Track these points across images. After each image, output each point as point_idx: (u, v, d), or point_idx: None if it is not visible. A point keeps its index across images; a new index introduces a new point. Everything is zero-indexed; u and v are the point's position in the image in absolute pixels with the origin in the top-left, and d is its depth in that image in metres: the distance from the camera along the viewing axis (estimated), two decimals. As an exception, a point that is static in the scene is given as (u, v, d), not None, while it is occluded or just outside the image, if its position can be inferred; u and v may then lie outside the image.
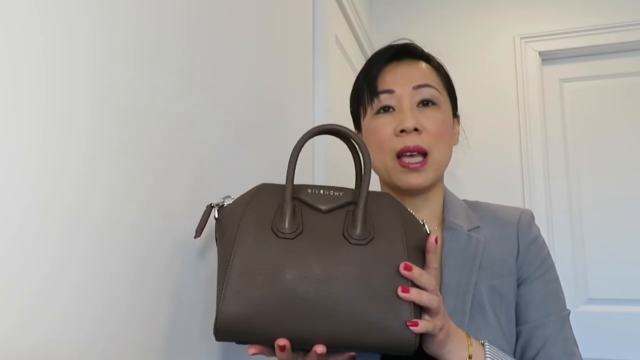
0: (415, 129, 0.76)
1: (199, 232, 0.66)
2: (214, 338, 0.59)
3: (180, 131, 0.72)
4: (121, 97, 0.60)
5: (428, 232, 0.68)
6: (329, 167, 1.36)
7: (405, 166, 0.76)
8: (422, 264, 0.64)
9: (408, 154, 0.76)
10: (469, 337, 0.66)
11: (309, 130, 0.64)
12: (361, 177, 0.65)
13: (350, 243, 0.60)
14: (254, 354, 0.59)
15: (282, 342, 0.56)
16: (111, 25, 0.59)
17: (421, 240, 0.65)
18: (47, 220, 0.48)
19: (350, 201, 0.64)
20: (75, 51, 0.53)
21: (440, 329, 0.61)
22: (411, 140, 0.76)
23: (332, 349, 0.58)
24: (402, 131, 0.76)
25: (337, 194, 0.65)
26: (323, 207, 0.63)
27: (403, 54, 0.82)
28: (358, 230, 0.61)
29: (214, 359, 0.79)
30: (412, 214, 0.68)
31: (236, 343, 0.61)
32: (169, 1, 0.71)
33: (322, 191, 0.65)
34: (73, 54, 0.53)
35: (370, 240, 0.61)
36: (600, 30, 2.06)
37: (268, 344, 0.58)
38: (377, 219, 0.63)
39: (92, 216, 0.54)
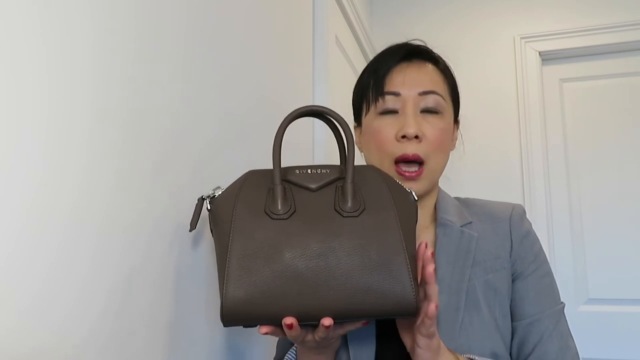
0: (416, 136, 0.76)
1: (193, 225, 0.68)
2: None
3: (180, 131, 0.73)
4: (121, 97, 0.60)
5: (415, 198, 0.69)
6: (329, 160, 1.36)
7: (402, 174, 0.77)
8: (412, 229, 0.65)
9: (405, 162, 0.77)
10: (458, 356, 0.67)
11: (288, 115, 0.65)
12: (345, 153, 0.66)
13: (343, 216, 0.62)
14: (266, 333, 0.60)
15: (289, 320, 0.57)
16: (111, 25, 0.59)
17: (409, 206, 0.67)
18: (48, 220, 0.49)
19: (338, 177, 0.66)
20: (75, 51, 0.53)
21: (434, 335, 0.62)
22: (411, 149, 0.76)
23: (339, 320, 0.59)
24: (403, 137, 0.76)
25: (324, 171, 0.67)
26: (312, 186, 0.65)
27: (414, 55, 0.82)
28: (349, 203, 0.63)
29: (217, 355, 0.79)
30: (397, 182, 0.69)
31: (244, 327, 0.62)
32: (169, 1, 0.71)
33: (309, 170, 0.67)
34: (73, 54, 0.53)
35: (362, 211, 0.63)
36: (600, 30, 2.06)
37: (276, 324, 0.59)
38: (365, 191, 0.65)
39: (92, 216, 0.55)
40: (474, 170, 2.04)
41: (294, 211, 0.62)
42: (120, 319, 0.58)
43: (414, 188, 0.76)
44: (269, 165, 0.65)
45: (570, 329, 0.78)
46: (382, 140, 0.78)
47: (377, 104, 0.79)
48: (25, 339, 0.46)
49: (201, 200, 0.68)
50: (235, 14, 0.92)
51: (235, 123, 0.90)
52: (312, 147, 1.35)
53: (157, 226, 0.66)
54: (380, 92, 0.79)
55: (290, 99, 1.20)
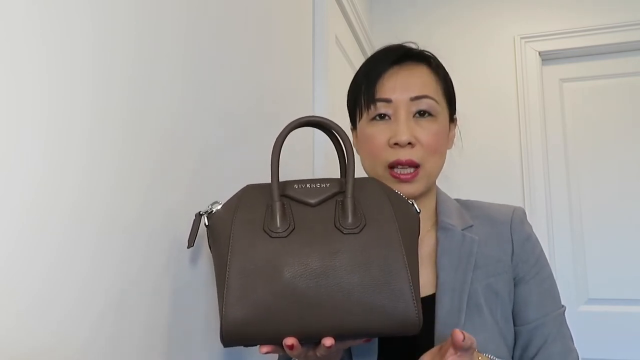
0: (409, 143, 0.75)
1: (191, 241, 0.66)
2: (216, 335, 0.59)
3: (180, 132, 0.73)
4: (121, 97, 0.60)
5: (417, 210, 0.68)
6: (329, 169, 1.36)
7: (396, 177, 0.76)
8: (414, 244, 0.64)
9: (400, 166, 0.76)
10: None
11: (288, 125, 0.64)
12: (345, 166, 0.66)
13: (344, 233, 0.60)
14: (267, 353, 0.59)
15: (289, 341, 0.57)
16: (111, 25, 0.59)
17: (412, 220, 0.66)
18: (48, 220, 0.49)
19: (338, 191, 0.65)
20: (75, 51, 0.53)
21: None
22: (404, 154, 0.75)
23: (340, 338, 0.59)
24: (396, 144, 0.76)
25: (324, 185, 0.65)
26: (312, 201, 0.64)
27: (405, 57, 0.81)
28: (349, 220, 0.61)
29: (216, 356, 0.79)
30: (399, 194, 0.68)
31: (244, 346, 0.61)
32: (169, 2, 0.71)
33: (308, 185, 0.65)
34: (73, 54, 0.53)
35: (363, 228, 0.61)
36: (600, 30, 2.06)
37: (277, 344, 0.58)
38: (366, 205, 0.63)
39: (92, 216, 0.55)
40: (474, 170, 2.04)
41: (293, 228, 0.61)
42: (120, 319, 0.58)
43: (410, 190, 0.76)
44: (268, 166, 0.64)
45: (570, 329, 0.78)
46: (375, 146, 0.78)
47: (369, 110, 0.79)
48: (25, 339, 0.46)
49: (198, 216, 0.67)
50: (235, 14, 0.92)
51: (235, 123, 0.90)
52: (313, 150, 1.35)
53: (157, 226, 0.66)
54: (371, 99, 0.78)
55: (290, 99, 1.20)
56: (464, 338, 0.57)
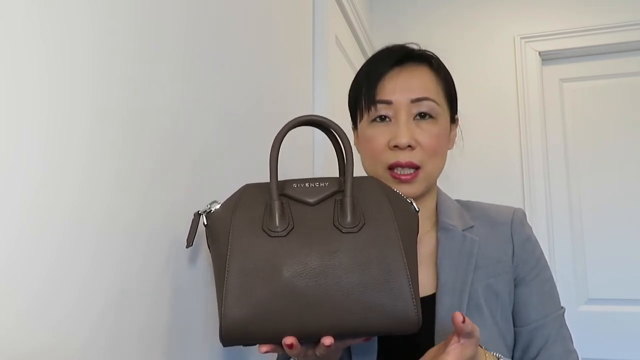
0: (409, 145, 0.75)
1: (190, 241, 0.66)
2: (215, 335, 0.59)
3: (180, 132, 0.73)
4: (121, 97, 0.60)
5: (416, 209, 0.68)
6: (329, 167, 1.36)
7: (397, 177, 0.76)
8: (413, 243, 0.64)
9: (399, 167, 0.76)
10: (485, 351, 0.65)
11: (287, 124, 0.64)
12: (344, 165, 0.66)
13: (343, 232, 0.61)
14: (266, 352, 0.59)
15: (289, 340, 0.57)
16: (111, 25, 0.59)
17: (411, 218, 0.66)
18: (48, 220, 0.49)
19: (337, 190, 0.65)
20: (75, 51, 0.53)
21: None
22: (404, 157, 0.75)
23: (340, 337, 0.59)
24: (396, 146, 0.76)
25: (323, 184, 0.65)
26: (310, 200, 0.64)
27: (406, 58, 0.81)
28: (348, 219, 0.61)
29: (216, 356, 0.79)
30: (398, 193, 0.68)
31: (244, 346, 0.61)
32: (169, 1, 0.71)
33: (307, 184, 0.65)
34: (73, 54, 0.53)
35: (362, 227, 0.61)
36: (600, 30, 2.06)
37: (276, 343, 0.58)
38: (365, 204, 0.64)
39: (92, 216, 0.55)
40: (474, 170, 2.04)
41: (292, 228, 0.61)
42: (120, 319, 0.58)
43: (410, 191, 0.76)
44: (268, 166, 0.64)
45: (570, 329, 0.78)
46: (375, 148, 0.78)
47: (370, 112, 0.79)
48: (25, 339, 0.46)
49: (197, 215, 0.67)
50: (235, 14, 0.92)
51: (235, 123, 0.90)
52: (312, 149, 1.35)
53: (157, 226, 0.66)
54: (372, 101, 0.78)
55: (290, 99, 1.20)
56: (464, 320, 0.57)
